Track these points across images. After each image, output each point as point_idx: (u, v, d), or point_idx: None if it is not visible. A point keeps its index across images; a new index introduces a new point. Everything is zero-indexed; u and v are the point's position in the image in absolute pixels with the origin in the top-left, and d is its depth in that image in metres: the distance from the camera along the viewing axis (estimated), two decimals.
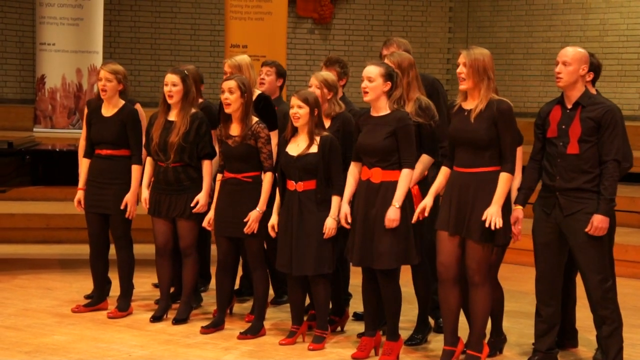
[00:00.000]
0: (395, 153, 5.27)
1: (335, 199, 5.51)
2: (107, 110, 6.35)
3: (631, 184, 10.21)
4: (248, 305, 6.48)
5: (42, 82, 12.66)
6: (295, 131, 5.64)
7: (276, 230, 5.70)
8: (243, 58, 6.46)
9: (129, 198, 6.24)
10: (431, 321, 5.95)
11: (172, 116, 6.10)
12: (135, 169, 6.26)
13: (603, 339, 5.20)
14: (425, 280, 5.75)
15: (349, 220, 5.41)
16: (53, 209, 9.60)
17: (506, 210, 5.03)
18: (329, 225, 5.49)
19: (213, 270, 6.25)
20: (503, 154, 5.01)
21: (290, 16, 14.41)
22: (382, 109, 5.35)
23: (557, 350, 5.40)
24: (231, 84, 5.81)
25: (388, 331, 5.43)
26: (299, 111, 5.55)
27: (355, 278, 5.91)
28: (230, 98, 5.78)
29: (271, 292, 6.48)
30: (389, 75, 5.33)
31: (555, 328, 5.30)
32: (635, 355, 5.66)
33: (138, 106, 6.63)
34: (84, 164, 6.44)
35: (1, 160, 7.47)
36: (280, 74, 6.89)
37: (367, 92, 5.34)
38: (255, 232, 5.80)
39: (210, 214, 6.00)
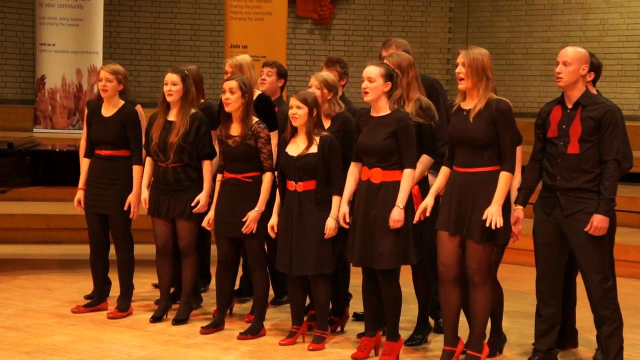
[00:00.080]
0: (395, 153, 5.26)
1: (335, 199, 5.51)
2: (107, 111, 6.34)
3: (631, 184, 10.20)
4: (248, 305, 6.48)
5: (42, 83, 12.66)
6: (294, 132, 5.64)
7: (276, 230, 5.70)
8: (244, 58, 6.47)
9: (131, 199, 6.24)
10: (431, 321, 5.95)
11: (172, 116, 6.10)
12: (136, 169, 6.26)
13: (603, 339, 5.20)
14: (426, 280, 5.75)
15: (347, 220, 5.41)
16: (53, 210, 9.59)
17: (506, 209, 5.03)
18: (330, 225, 5.49)
19: (213, 270, 6.25)
20: (502, 153, 5.01)
21: (290, 16, 14.40)
22: (383, 109, 5.35)
23: (557, 350, 5.40)
24: (232, 84, 5.81)
25: (388, 331, 5.43)
26: (297, 111, 5.55)
27: (355, 278, 5.91)
28: (231, 98, 5.78)
29: (271, 292, 6.47)
30: (389, 76, 5.33)
31: (555, 328, 5.30)
32: (635, 355, 5.66)
33: (139, 107, 6.63)
34: (84, 164, 6.45)
35: (1, 161, 7.47)
36: (282, 74, 6.90)
37: (367, 93, 5.33)
38: (254, 232, 5.80)
39: (210, 214, 6.00)
